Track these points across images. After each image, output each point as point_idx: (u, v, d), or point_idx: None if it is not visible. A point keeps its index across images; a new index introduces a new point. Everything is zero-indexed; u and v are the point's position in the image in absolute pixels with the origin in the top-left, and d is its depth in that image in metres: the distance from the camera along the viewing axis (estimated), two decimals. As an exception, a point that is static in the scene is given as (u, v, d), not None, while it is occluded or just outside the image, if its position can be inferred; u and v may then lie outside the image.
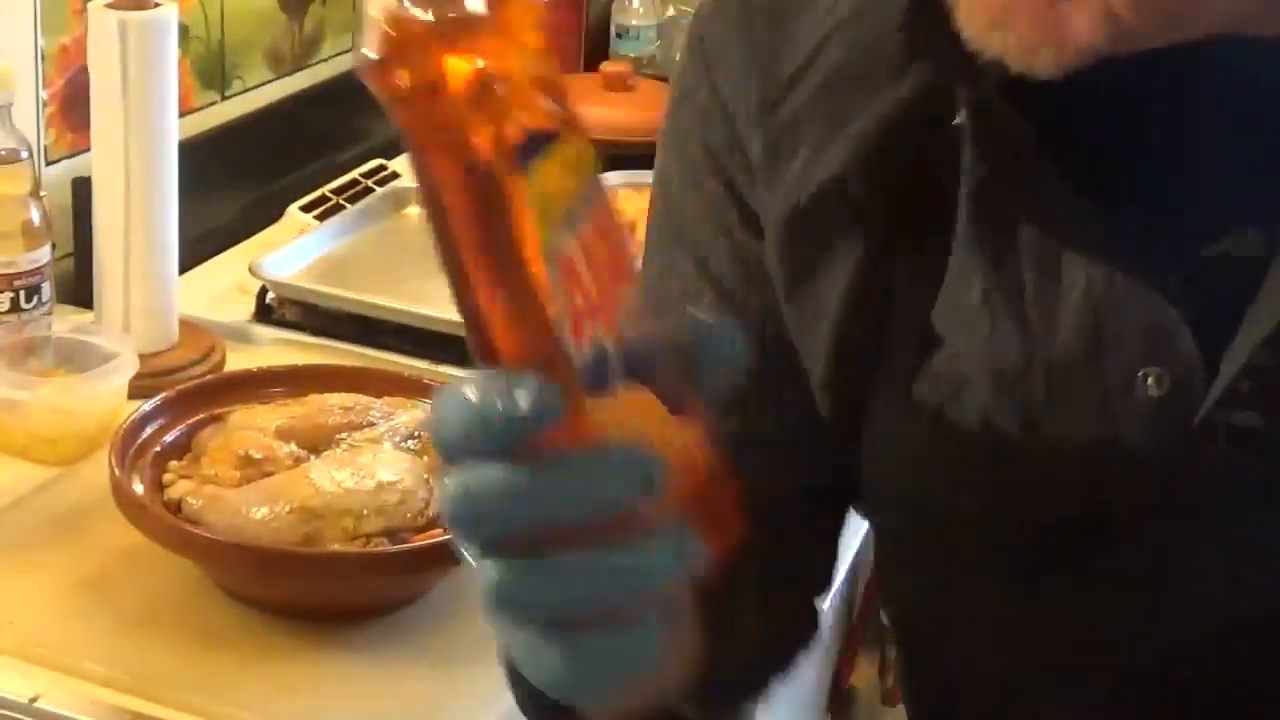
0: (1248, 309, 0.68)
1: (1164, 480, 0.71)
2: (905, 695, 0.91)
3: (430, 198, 0.50)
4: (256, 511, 1.13)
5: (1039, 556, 0.75)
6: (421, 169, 0.50)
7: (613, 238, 0.53)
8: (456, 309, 0.52)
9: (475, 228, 0.49)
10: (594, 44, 2.41)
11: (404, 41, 0.48)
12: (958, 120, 0.71)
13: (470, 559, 0.54)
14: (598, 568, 0.53)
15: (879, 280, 0.76)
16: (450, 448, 0.53)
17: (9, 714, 1.05)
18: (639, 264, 0.51)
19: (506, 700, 1.12)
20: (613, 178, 1.86)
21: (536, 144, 0.49)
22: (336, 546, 1.13)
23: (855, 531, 1.79)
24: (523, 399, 0.50)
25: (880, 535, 0.85)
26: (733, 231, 0.81)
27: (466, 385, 0.52)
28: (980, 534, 0.76)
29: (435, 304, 1.50)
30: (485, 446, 0.52)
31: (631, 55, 2.39)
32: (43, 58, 1.57)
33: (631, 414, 0.53)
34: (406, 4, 0.49)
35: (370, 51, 0.49)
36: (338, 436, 1.22)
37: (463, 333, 0.53)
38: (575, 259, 0.51)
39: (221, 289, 1.66)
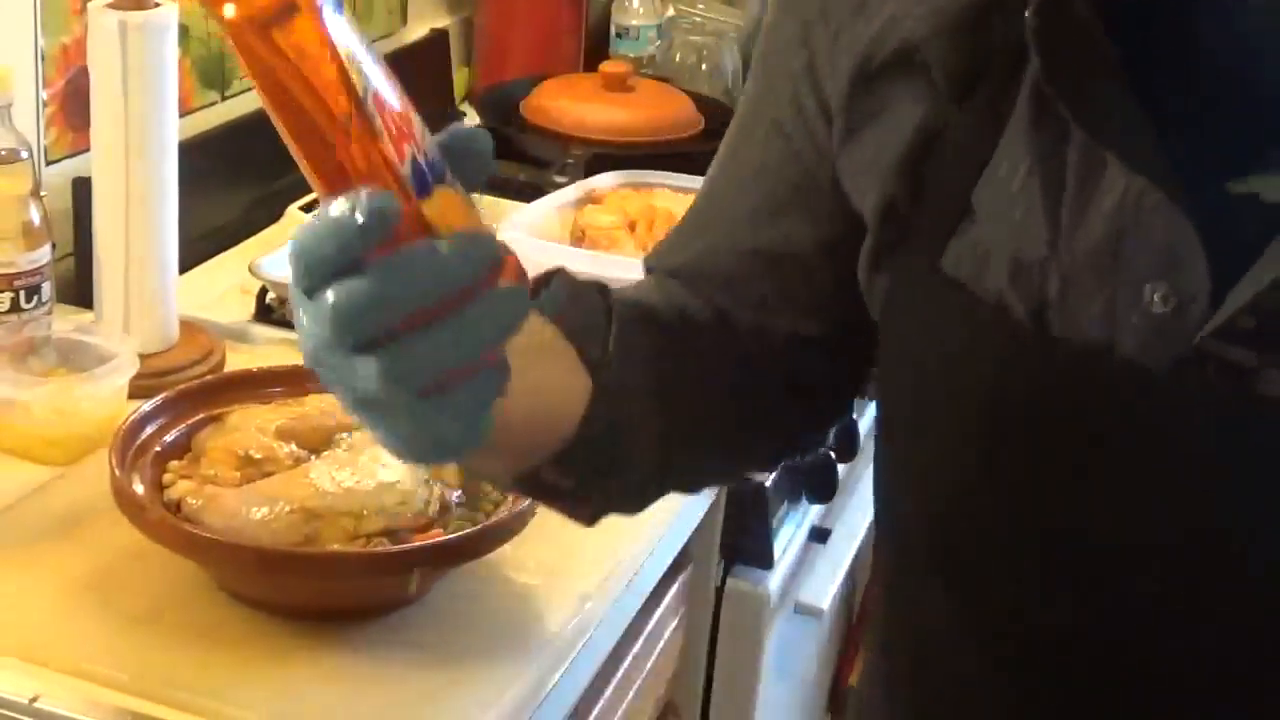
0: (1267, 248, 0.70)
1: (1150, 397, 0.74)
2: (873, 665, 0.93)
3: (274, 83, 0.60)
4: (256, 511, 1.13)
5: (1031, 449, 0.77)
6: (270, 67, 0.59)
7: (389, 75, 0.63)
8: (307, 170, 0.62)
9: (326, 87, 0.60)
10: (594, 44, 2.41)
11: None
12: (1028, 13, 0.74)
13: (337, 368, 0.62)
14: (454, 335, 0.61)
15: (930, 148, 0.81)
16: (313, 270, 0.60)
17: (9, 714, 1.05)
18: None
19: (506, 700, 1.13)
20: (613, 178, 1.86)
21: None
22: (336, 546, 1.13)
23: (854, 535, 1.81)
24: (364, 208, 0.59)
25: (884, 411, 0.87)
26: (797, 81, 0.87)
27: (317, 217, 0.60)
28: (979, 415, 0.78)
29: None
30: (344, 256, 0.60)
31: (631, 55, 2.39)
32: (43, 58, 1.57)
33: (449, 208, 0.63)
34: None
35: None
36: (338, 436, 1.22)
37: None
38: (379, 94, 0.61)
39: (221, 289, 1.67)
